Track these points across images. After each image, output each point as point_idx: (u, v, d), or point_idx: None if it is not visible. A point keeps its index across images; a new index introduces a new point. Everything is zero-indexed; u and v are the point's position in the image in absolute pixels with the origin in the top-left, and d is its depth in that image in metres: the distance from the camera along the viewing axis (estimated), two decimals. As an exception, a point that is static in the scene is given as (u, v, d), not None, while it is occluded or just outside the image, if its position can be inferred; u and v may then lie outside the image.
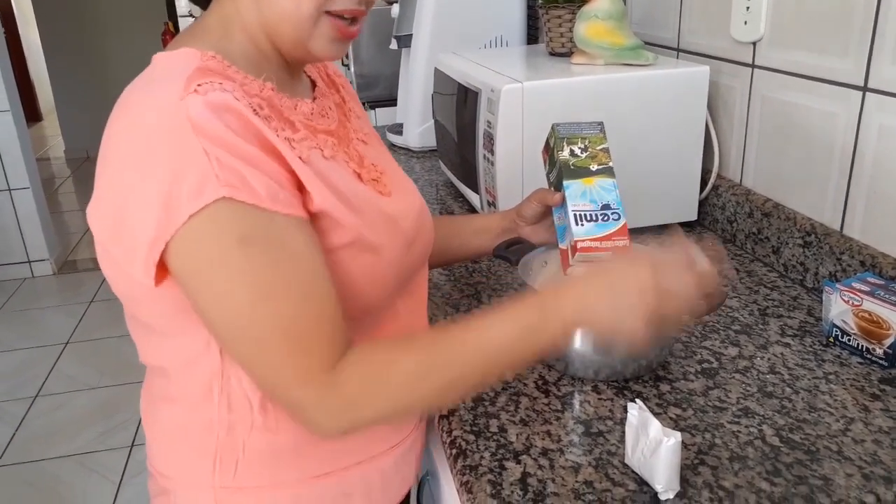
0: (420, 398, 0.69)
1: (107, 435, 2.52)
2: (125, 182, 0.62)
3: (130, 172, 0.62)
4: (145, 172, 0.61)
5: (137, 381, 2.77)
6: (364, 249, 0.71)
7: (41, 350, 3.09)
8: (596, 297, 0.69)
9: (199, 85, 0.61)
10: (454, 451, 0.76)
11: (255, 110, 0.64)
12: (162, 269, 0.63)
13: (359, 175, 0.77)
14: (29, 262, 3.80)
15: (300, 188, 0.66)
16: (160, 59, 0.70)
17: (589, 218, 0.86)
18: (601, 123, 0.94)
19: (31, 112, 7.22)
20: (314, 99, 0.80)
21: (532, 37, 1.97)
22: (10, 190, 3.64)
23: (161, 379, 0.77)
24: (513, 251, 0.97)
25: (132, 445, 2.47)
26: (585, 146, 0.92)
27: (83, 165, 6.04)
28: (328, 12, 0.69)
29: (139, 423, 2.57)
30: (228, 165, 0.59)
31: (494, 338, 0.68)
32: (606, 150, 0.91)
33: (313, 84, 0.84)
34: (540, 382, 0.86)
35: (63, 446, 2.47)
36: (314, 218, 0.67)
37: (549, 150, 0.96)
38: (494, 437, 0.76)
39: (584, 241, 0.84)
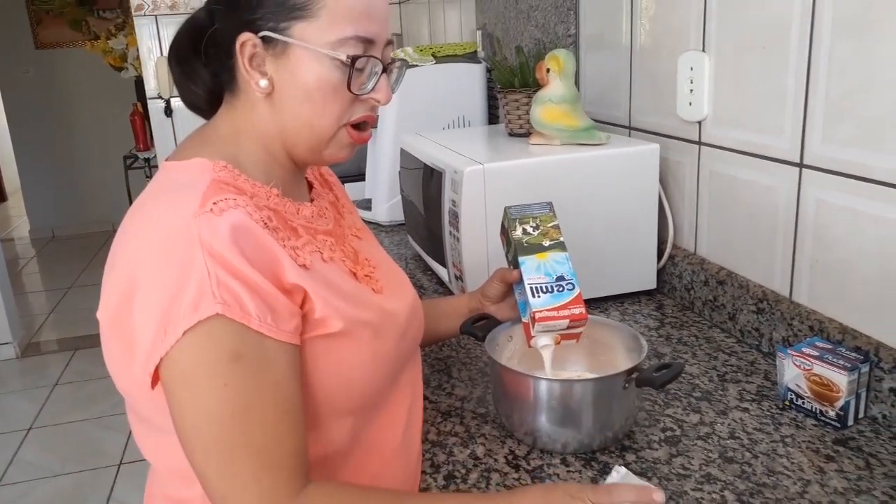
0: None
1: (71, 524, 2.44)
2: (131, 286, 0.65)
3: (137, 278, 0.65)
4: (151, 282, 0.64)
5: (102, 467, 2.72)
6: (360, 337, 0.75)
7: (2, 437, 3.00)
8: None
9: (214, 203, 0.65)
10: (428, 530, 0.77)
11: (265, 223, 0.69)
12: (157, 374, 0.66)
13: (354, 273, 0.81)
14: (-9, 345, 3.72)
15: (304, 300, 0.70)
16: (172, 168, 0.74)
17: (545, 290, 0.90)
18: (550, 203, 1.01)
19: (-4, 192, 7.19)
20: (312, 200, 0.85)
21: (493, 116, 2.05)
22: (-27, 273, 3.59)
23: (161, 479, 0.79)
24: (479, 327, 1.00)
25: (97, 535, 2.39)
26: (537, 224, 0.97)
27: (48, 245, 5.99)
28: (347, 124, 0.77)
29: (105, 510, 2.50)
30: (225, 284, 0.63)
31: None
32: (557, 227, 0.97)
33: (310, 185, 0.89)
34: (510, 457, 0.88)
35: (24, 539, 2.38)
36: (313, 313, 0.70)
37: (505, 232, 1.02)
38: (467, 514, 0.78)
39: (541, 311, 0.89)
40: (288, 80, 0.74)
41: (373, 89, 0.77)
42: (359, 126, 0.79)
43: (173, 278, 0.63)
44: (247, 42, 0.72)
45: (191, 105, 0.84)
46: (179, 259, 0.63)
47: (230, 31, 0.73)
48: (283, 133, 0.77)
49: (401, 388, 0.85)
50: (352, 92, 0.75)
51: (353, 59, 0.73)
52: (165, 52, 3.30)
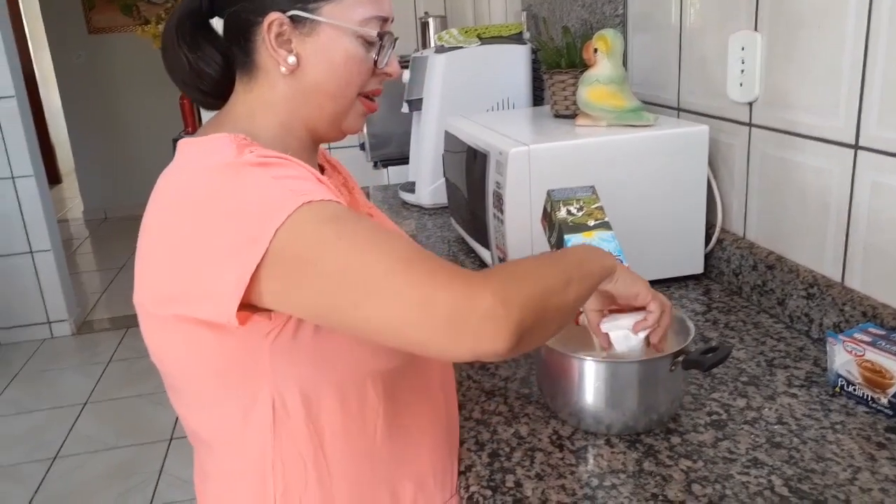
0: (553, 284, 0.69)
1: (125, 496, 2.53)
2: (192, 238, 0.68)
3: (199, 227, 0.67)
4: (216, 220, 0.66)
5: (154, 441, 2.81)
6: None
7: (59, 411, 3.12)
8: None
9: (250, 151, 0.70)
10: (472, 507, 0.78)
11: None
12: (243, 311, 0.67)
13: None
14: (49, 322, 3.86)
15: None
16: (190, 144, 0.76)
17: None
18: (593, 187, 1.02)
19: (51, 174, 7.39)
20: None
21: (538, 97, 2.04)
22: (31, 252, 3.72)
23: (209, 454, 0.82)
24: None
25: (150, 505, 2.48)
26: (581, 206, 0.97)
27: (101, 226, 6.17)
28: (360, 94, 0.83)
29: (157, 482, 2.58)
30: (295, 182, 0.67)
31: (575, 253, 0.81)
32: (601, 209, 0.97)
33: (321, 169, 0.92)
34: (554, 437, 0.89)
35: (81, 507, 2.48)
36: None
37: (547, 216, 1.02)
38: (511, 493, 0.79)
39: None
40: (315, 57, 0.78)
41: (387, 64, 0.83)
42: (370, 97, 0.85)
43: (240, 203, 0.65)
44: (275, 21, 0.76)
45: (198, 92, 0.85)
46: (240, 188, 0.66)
47: (249, 12, 0.77)
48: (306, 106, 0.80)
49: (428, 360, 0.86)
50: (376, 66, 0.81)
51: (381, 35, 0.80)
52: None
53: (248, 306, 0.67)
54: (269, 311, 0.69)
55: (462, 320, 0.60)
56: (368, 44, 0.79)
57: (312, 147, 0.86)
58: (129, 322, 3.98)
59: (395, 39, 0.83)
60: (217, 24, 0.82)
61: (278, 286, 0.65)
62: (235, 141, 0.72)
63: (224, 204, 0.66)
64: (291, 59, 0.77)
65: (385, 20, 0.80)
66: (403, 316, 0.61)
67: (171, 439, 2.84)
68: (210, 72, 0.83)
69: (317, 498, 0.77)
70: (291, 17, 0.76)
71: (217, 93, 0.84)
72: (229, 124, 0.79)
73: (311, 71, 0.78)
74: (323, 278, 0.63)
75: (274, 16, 0.75)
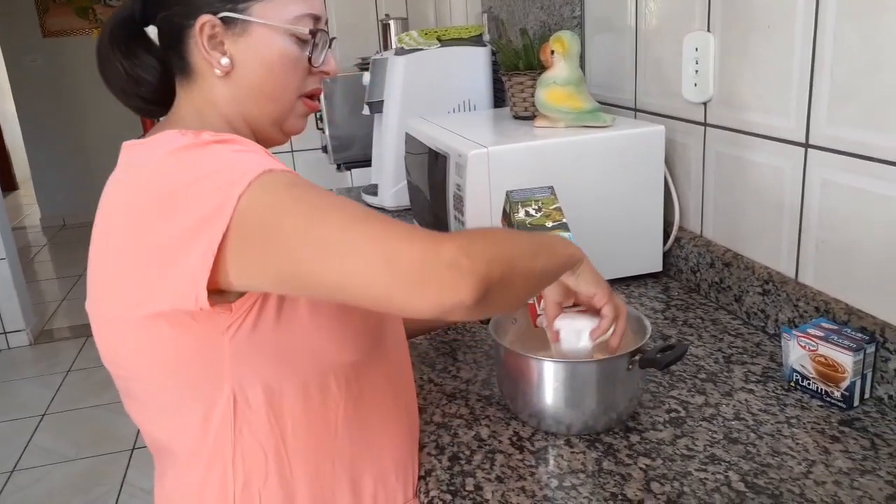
0: (520, 250, 0.69)
1: (85, 508, 2.47)
2: (157, 227, 0.66)
3: (163, 212, 0.66)
4: (180, 198, 0.65)
5: (115, 452, 2.75)
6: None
7: (17, 423, 3.04)
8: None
9: (207, 133, 0.70)
10: (432, 511, 0.77)
11: None
12: (212, 297, 0.66)
13: None
14: (5, 333, 3.76)
15: None
16: (137, 145, 0.75)
17: None
18: (551, 187, 1.02)
19: (7, 181, 7.23)
20: None
21: (499, 99, 2.04)
22: (-15, 261, 3.63)
23: (169, 458, 0.81)
24: (484, 310, 1.00)
25: (112, 518, 2.42)
26: (539, 207, 0.98)
27: (59, 233, 6.03)
28: (301, 95, 0.82)
29: (119, 494, 2.53)
30: (253, 155, 0.68)
31: (545, 235, 0.84)
32: (559, 209, 0.98)
33: None
34: (515, 439, 0.89)
35: (40, 522, 2.42)
36: None
37: (507, 217, 1.02)
38: (471, 496, 0.78)
39: None
40: (249, 57, 0.78)
41: (323, 62, 0.82)
42: (311, 96, 0.84)
43: (204, 171, 0.65)
44: (206, 24, 0.75)
45: (139, 100, 0.84)
46: (202, 159, 0.67)
47: (181, 16, 0.76)
48: (246, 108, 0.80)
49: (388, 349, 0.86)
50: (311, 64, 0.81)
51: (314, 32, 0.79)
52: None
53: (214, 294, 0.66)
54: (229, 303, 0.68)
55: (426, 270, 0.59)
56: (302, 42, 0.79)
57: None
58: (89, 331, 3.86)
59: (332, 39, 0.83)
60: (151, 31, 0.81)
61: (243, 256, 0.64)
62: (188, 132, 0.72)
63: (186, 179, 0.66)
64: (225, 61, 0.77)
65: (317, 18, 0.80)
66: (368, 269, 0.61)
67: (133, 449, 2.78)
68: (148, 78, 0.82)
69: (277, 490, 0.76)
70: (223, 19, 0.76)
71: (158, 100, 0.83)
72: (178, 123, 0.78)
73: (246, 72, 0.78)
74: (286, 241, 0.63)
75: (205, 18, 0.75)
